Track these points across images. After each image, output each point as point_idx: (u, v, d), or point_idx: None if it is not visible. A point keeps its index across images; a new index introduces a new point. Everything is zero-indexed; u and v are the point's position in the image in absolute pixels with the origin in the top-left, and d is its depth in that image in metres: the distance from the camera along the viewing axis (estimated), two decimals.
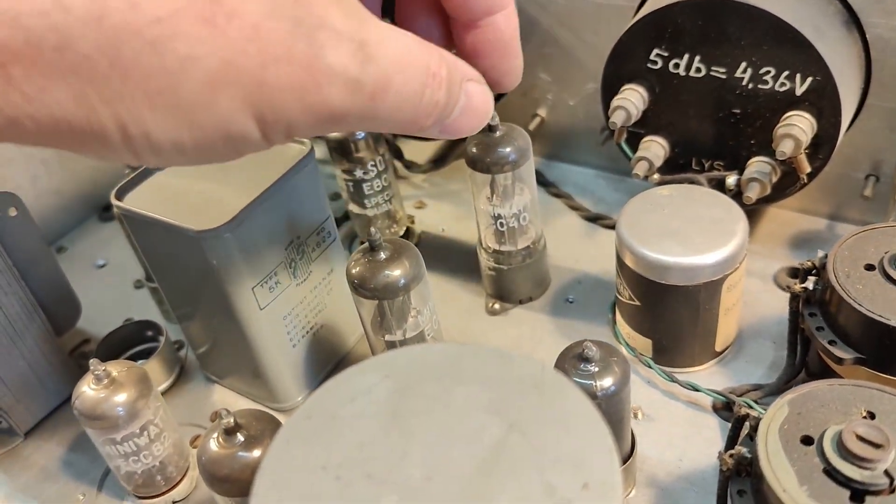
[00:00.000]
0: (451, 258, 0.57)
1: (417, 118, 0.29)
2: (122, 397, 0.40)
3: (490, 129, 0.46)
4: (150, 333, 0.54)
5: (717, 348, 0.45)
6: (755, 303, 0.49)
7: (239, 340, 0.45)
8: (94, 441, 0.42)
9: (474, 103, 0.34)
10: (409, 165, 0.65)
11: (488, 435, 0.26)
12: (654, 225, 0.43)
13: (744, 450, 0.32)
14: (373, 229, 0.39)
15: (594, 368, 0.35)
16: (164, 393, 0.51)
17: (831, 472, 0.30)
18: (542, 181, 0.62)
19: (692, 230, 0.42)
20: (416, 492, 0.24)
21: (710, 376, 0.46)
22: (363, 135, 0.52)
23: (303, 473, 0.26)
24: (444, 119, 0.31)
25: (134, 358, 0.53)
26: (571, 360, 0.36)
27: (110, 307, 0.59)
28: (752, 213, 0.56)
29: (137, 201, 0.43)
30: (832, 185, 0.53)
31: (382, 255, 0.40)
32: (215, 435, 0.34)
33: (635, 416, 0.44)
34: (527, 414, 0.26)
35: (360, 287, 0.40)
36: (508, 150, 0.45)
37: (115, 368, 0.41)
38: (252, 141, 0.25)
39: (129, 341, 0.54)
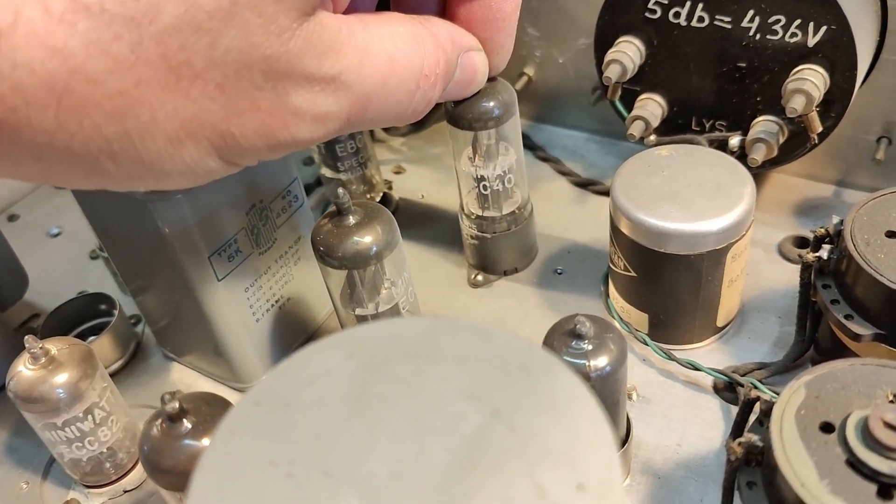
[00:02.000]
0: (432, 226, 0.53)
1: (406, 116, 0.30)
2: (62, 378, 0.36)
3: None
4: (103, 307, 0.49)
5: (719, 323, 0.42)
6: (758, 274, 0.46)
7: (197, 315, 0.41)
8: (32, 426, 0.38)
9: (468, 75, 0.34)
10: (388, 128, 0.61)
11: (467, 424, 0.22)
12: (653, 188, 0.39)
13: (754, 437, 0.29)
14: (340, 190, 0.35)
15: (587, 346, 0.31)
16: (118, 372, 0.47)
17: (855, 464, 0.26)
18: (530, 145, 0.58)
19: (694, 194, 0.38)
20: (381, 492, 0.20)
21: (711, 354, 0.42)
22: None
23: (248, 470, 0.22)
24: (444, 88, 0.31)
25: (86, 333, 0.49)
26: (562, 337, 0.32)
27: (63, 279, 0.55)
28: (757, 178, 0.52)
29: None
30: (841, 149, 0.49)
31: (351, 220, 0.35)
32: (158, 421, 0.30)
33: (630, 397, 0.40)
34: (512, 400, 0.22)
35: (326, 255, 0.36)
36: (492, 104, 0.41)
37: (55, 346, 0.37)
38: (221, 173, 0.26)
39: (81, 316, 0.49)
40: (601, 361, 0.31)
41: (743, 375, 0.39)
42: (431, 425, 0.22)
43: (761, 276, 0.46)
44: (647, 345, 0.42)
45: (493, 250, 0.47)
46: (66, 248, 0.58)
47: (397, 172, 0.58)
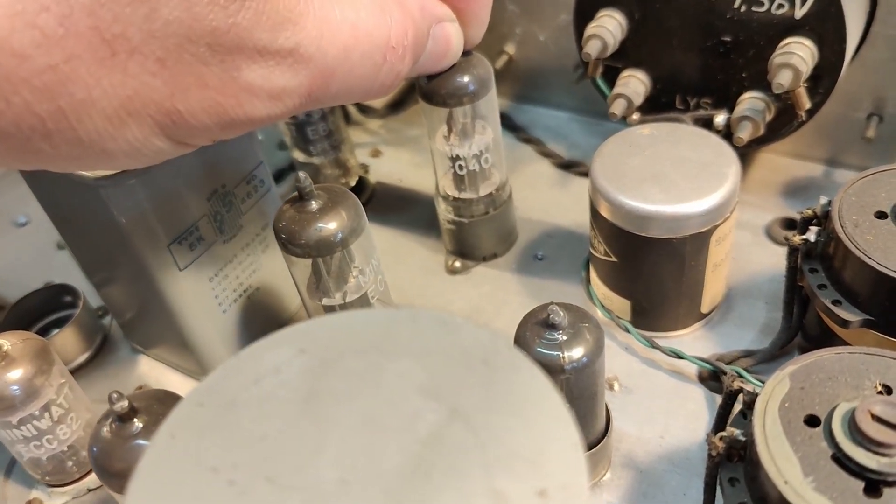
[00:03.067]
0: (409, 211, 0.51)
1: (374, 91, 0.28)
2: (15, 374, 0.35)
3: None
4: (68, 299, 0.48)
5: (704, 310, 0.40)
6: (745, 258, 0.44)
7: (160, 306, 0.39)
8: None
9: (441, 48, 0.32)
10: (364, 110, 0.59)
11: (424, 424, 0.20)
12: (633, 169, 0.37)
13: (737, 431, 0.27)
14: (301, 174, 0.33)
15: (562, 337, 0.30)
16: (83, 365, 0.45)
17: (842, 460, 0.25)
18: (511, 125, 0.56)
19: (677, 175, 0.37)
20: (328, 499, 0.19)
21: (695, 341, 0.40)
22: None
23: (188, 476, 0.20)
24: (409, 67, 0.29)
25: (50, 327, 0.47)
26: (535, 328, 0.30)
27: (29, 269, 0.53)
28: (741, 158, 0.50)
29: None
30: (830, 127, 0.47)
31: (314, 206, 0.34)
32: (108, 421, 0.28)
33: (611, 387, 0.39)
34: (472, 397, 0.21)
35: (289, 243, 0.34)
36: (467, 79, 0.39)
37: (9, 340, 0.36)
38: (172, 153, 0.25)
39: (45, 308, 0.48)
40: (576, 352, 0.30)
41: (728, 364, 0.38)
42: (385, 425, 0.20)
43: (748, 259, 0.44)
44: (629, 332, 0.40)
45: (471, 235, 0.46)
46: (33, 238, 0.56)
47: (374, 156, 0.57)
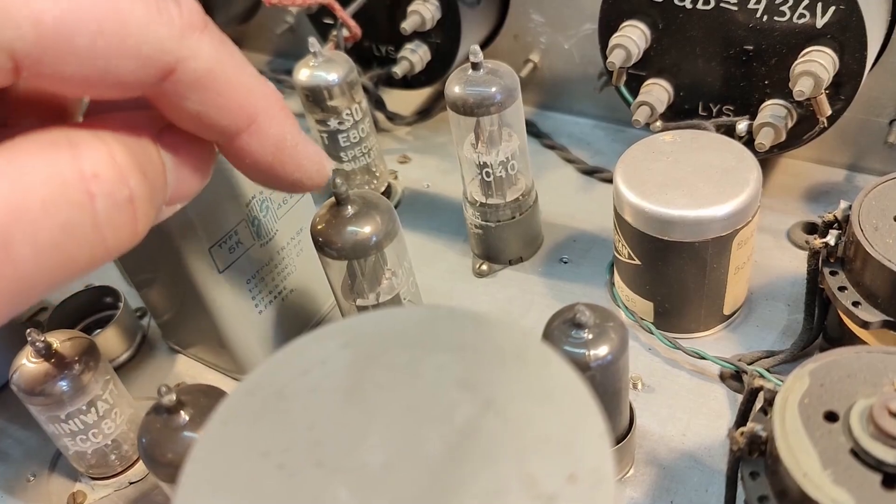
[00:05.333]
0: (436, 216, 0.53)
1: (110, 250, 0.21)
2: (65, 371, 0.37)
3: (474, 66, 0.41)
4: (109, 300, 0.49)
5: (726, 312, 0.41)
6: (767, 261, 0.45)
7: (199, 307, 0.41)
8: (37, 419, 0.38)
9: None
10: (393, 117, 0.60)
11: (460, 414, 0.22)
12: (656, 174, 0.38)
13: (757, 427, 0.28)
14: (338, 180, 0.34)
15: (588, 336, 0.31)
16: (124, 364, 0.47)
17: (860, 454, 0.26)
18: (536, 132, 0.57)
19: (699, 180, 0.38)
20: (372, 482, 0.20)
21: (717, 342, 0.41)
22: (337, 81, 0.48)
23: (240, 460, 0.22)
24: (159, 208, 0.24)
25: (92, 327, 0.49)
26: (562, 327, 0.32)
27: None
28: (763, 163, 0.51)
29: None
30: (852, 133, 0.48)
31: (350, 210, 0.35)
32: (156, 414, 0.30)
33: (634, 386, 0.40)
34: (506, 390, 0.22)
35: (325, 246, 0.35)
36: (493, 89, 0.41)
37: (58, 339, 0.37)
38: None
39: (87, 309, 0.50)
40: (602, 350, 0.31)
41: (749, 364, 0.39)
42: (425, 415, 0.22)
43: (770, 262, 0.45)
44: (652, 334, 0.41)
45: (498, 239, 0.47)
46: None
47: (402, 162, 0.58)
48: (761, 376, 0.30)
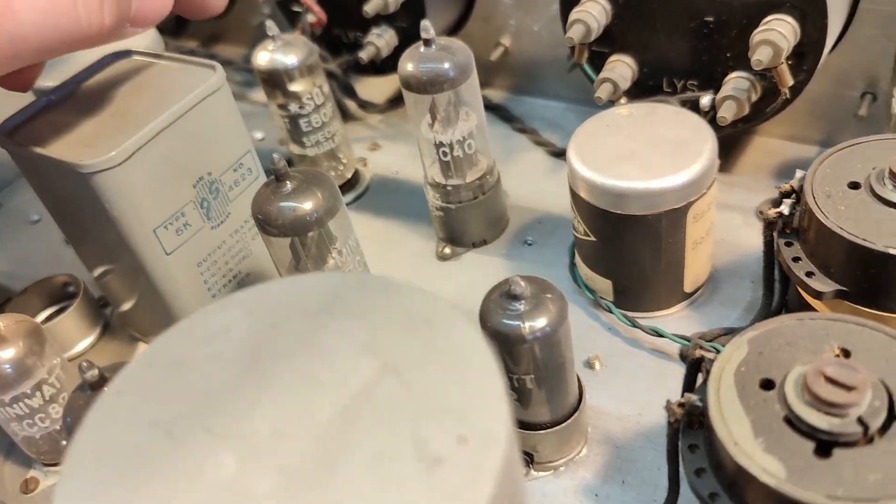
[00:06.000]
0: (403, 201, 0.52)
1: (84, 30, 0.28)
2: (8, 353, 0.36)
3: (426, 43, 0.40)
4: (71, 289, 0.49)
5: (687, 289, 0.40)
6: (735, 239, 0.44)
7: (151, 291, 0.40)
8: None
9: None
10: (364, 105, 0.60)
11: (358, 379, 0.21)
12: (609, 148, 0.37)
13: (694, 397, 0.27)
14: (276, 156, 0.34)
15: (523, 307, 0.30)
16: (84, 353, 0.47)
17: (793, 421, 0.25)
18: (507, 116, 0.56)
19: (652, 152, 0.37)
20: (259, 448, 0.20)
21: (680, 321, 0.40)
22: (296, 64, 0.47)
23: (130, 430, 0.21)
24: (126, 14, 0.29)
25: (55, 316, 0.49)
26: (498, 299, 0.31)
27: (41, 264, 0.55)
28: (736, 142, 0.50)
29: (28, 138, 0.38)
30: (824, 108, 0.47)
31: (289, 186, 0.34)
32: (80, 392, 0.29)
33: (592, 366, 0.39)
34: (408, 354, 0.21)
35: (265, 224, 0.35)
36: (446, 66, 0.40)
37: (2, 322, 0.37)
38: None
39: (51, 298, 0.49)
40: (538, 322, 0.30)
41: (709, 342, 0.38)
42: (322, 381, 0.21)
43: (737, 241, 0.44)
44: (612, 313, 0.40)
45: (460, 221, 0.46)
46: (45, 235, 0.58)
47: (373, 149, 0.57)
48: (701, 347, 0.29)
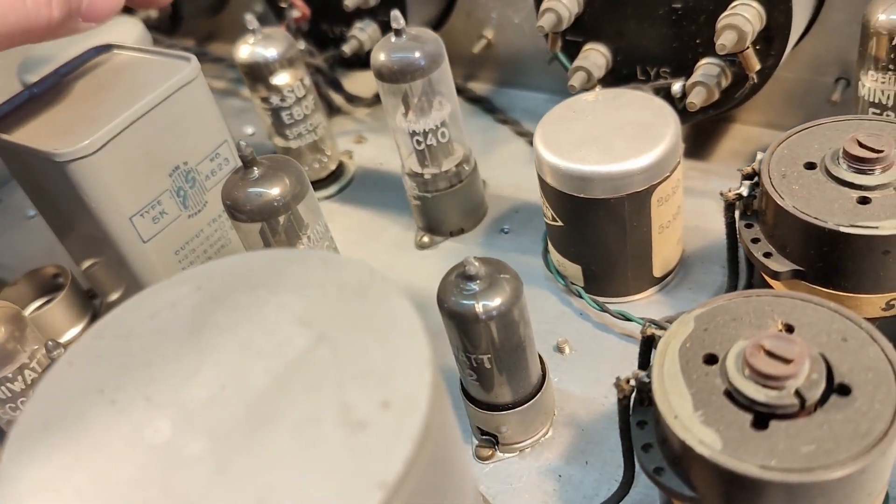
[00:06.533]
0: (385, 191, 0.53)
1: (33, 22, 0.29)
2: None
3: (396, 33, 0.41)
4: (60, 280, 0.50)
5: (656, 274, 0.40)
6: (708, 225, 0.44)
7: (131, 280, 0.41)
8: None
9: None
10: (352, 99, 0.60)
11: (292, 348, 0.22)
12: (574, 133, 0.38)
13: (642, 374, 0.28)
14: (242, 143, 0.35)
15: (477, 287, 0.31)
16: (72, 342, 0.48)
17: (733, 394, 0.25)
18: (490, 108, 0.57)
19: (615, 137, 0.37)
20: (193, 415, 0.20)
21: (650, 306, 0.41)
22: (276, 57, 0.48)
23: (77, 398, 0.22)
24: (77, 9, 0.30)
25: (44, 307, 0.50)
26: (454, 280, 0.31)
27: (37, 258, 0.56)
28: (713, 129, 0.50)
29: (9, 129, 0.40)
30: (799, 95, 0.47)
31: (256, 173, 0.35)
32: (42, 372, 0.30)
33: (562, 350, 0.39)
34: (341, 324, 0.22)
35: (234, 210, 0.36)
36: (417, 55, 0.40)
37: None
38: None
39: (42, 289, 0.50)
40: (493, 302, 0.30)
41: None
42: (259, 351, 0.22)
43: (710, 226, 0.44)
44: (581, 298, 0.40)
45: (437, 210, 0.47)
46: (41, 228, 0.59)
47: (358, 142, 0.58)
48: (653, 325, 0.30)
